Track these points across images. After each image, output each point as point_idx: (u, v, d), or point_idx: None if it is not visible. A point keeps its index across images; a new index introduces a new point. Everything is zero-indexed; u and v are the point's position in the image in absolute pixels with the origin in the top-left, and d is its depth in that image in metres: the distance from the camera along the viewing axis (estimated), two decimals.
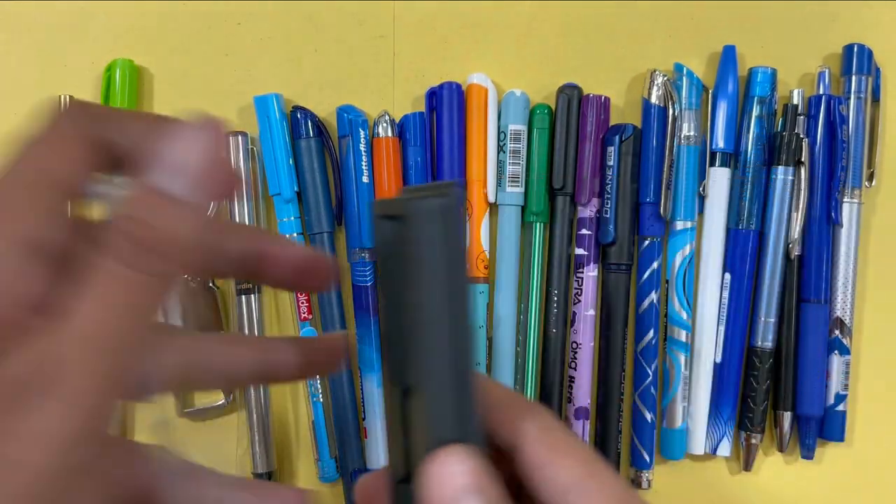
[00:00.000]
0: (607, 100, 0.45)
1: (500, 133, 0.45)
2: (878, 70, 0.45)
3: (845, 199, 0.45)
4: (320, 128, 0.44)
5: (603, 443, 0.45)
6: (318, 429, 0.45)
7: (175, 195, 0.23)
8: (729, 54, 0.45)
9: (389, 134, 0.44)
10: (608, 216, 0.44)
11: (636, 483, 0.45)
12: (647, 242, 0.45)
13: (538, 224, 0.45)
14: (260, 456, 0.45)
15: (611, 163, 0.44)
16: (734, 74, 0.45)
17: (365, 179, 0.44)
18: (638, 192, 0.44)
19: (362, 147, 0.44)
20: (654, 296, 0.45)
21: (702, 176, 0.45)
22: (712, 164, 0.45)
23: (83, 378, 0.22)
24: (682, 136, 0.44)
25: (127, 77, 0.44)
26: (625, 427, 0.46)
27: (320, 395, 0.45)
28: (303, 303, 0.45)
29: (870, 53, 0.45)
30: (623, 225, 0.44)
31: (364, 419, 0.45)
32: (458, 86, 0.45)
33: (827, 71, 0.45)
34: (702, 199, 0.45)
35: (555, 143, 0.45)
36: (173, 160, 0.22)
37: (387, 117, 0.44)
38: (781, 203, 0.44)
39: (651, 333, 0.45)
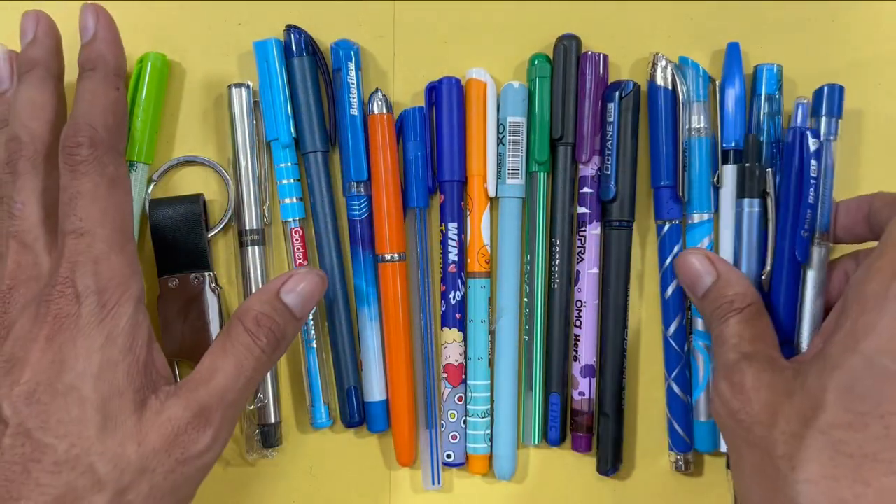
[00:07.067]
0: (606, 57, 0.45)
1: (500, 125, 0.45)
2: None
3: (816, 243, 0.42)
4: (314, 47, 0.45)
5: (606, 398, 0.45)
6: (311, 375, 0.46)
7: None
8: (733, 52, 0.45)
9: (384, 111, 0.45)
10: (609, 172, 0.44)
11: (678, 466, 0.45)
12: (666, 227, 0.45)
13: (542, 174, 0.45)
14: (271, 407, 0.46)
15: (611, 119, 0.44)
16: (740, 71, 0.45)
17: (354, 112, 0.45)
18: (636, 148, 0.45)
19: (351, 78, 0.44)
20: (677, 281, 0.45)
21: (715, 167, 0.44)
22: (724, 161, 0.44)
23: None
24: (693, 128, 0.44)
25: (158, 70, 0.45)
26: (659, 411, 0.46)
27: (314, 342, 0.45)
28: (298, 248, 0.45)
29: (840, 92, 0.43)
30: (624, 181, 0.44)
31: (360, 352, 0.46)
32: (458, 80, 0.45)
33: (805, 103, 0.44)
34: (717, 190, 0.45)
35: (553, 93, 0.45)
36: None
37: (380, 94, 0.45)
38: (750, 235, 0.44)
39: (679, 318, 0.45)
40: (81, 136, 0.38)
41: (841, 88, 0.43)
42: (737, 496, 0.37)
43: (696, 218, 0.44)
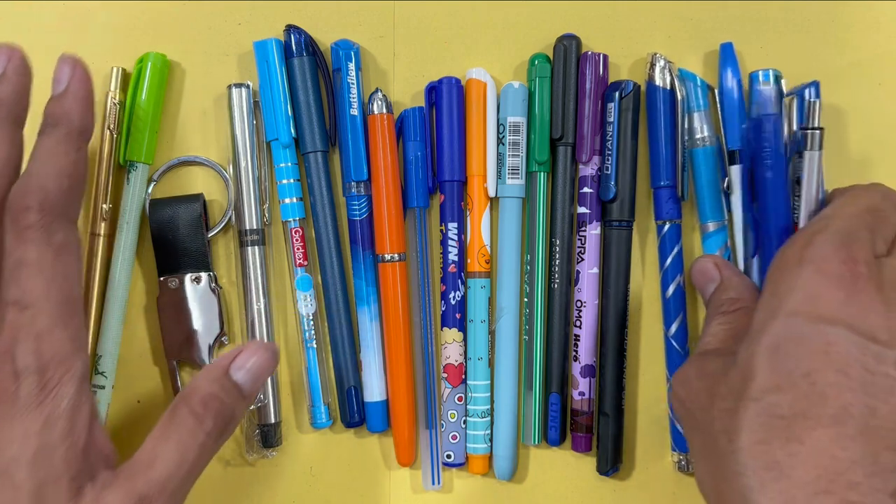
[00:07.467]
0: (606, 57, 0.45)
1: (500, 125, 0.45)
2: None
3: None
4: (314, 47, 0.45)
5: (606, 398, 0.45)
6: (311, 375, 0.46)
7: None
8: (727, 52, 0.45)
9: (384, 111, 0.45)
10: (609, 172, 0.44)
11: (680, 466, 0.45)
12: (666, 227, 0.45)
13: (542, 174, 0.45)
14: (271, 407, 0.46)
15: (611, 119, 0.44)
16: (735, 71, 0.44)
17: (354, 112, 0.45)
18: (636, 148, 0.45)
19: (351, 78, 0.44)
20: (679, 279, 0.45)
21: (723, 174, 0.44)
22: (731, 162, 0.44)
23: None
24: (696, 138, 0.44)
25: (158, 70, 0.45)
26: (659, 411, 0.46)
27: (314, 342, 0.45)
28: (298, 248, 0.45)
29: (817, 86, 0.43)
30: (624, 181, 0.44)
31: (360, 352, 0.46)
32: (458, 80, 0.45)
33: (794, 101, 0.43)
34: (727, 197, 0.44)
35: (553, 93, 0.45)
36: None
37: (380, 94, 0.45)
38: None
39: (680, 318, 0.45)
40: (30, 199, 0.36)
41: (816, 83, 0.43)
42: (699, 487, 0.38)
43: (711, 227, 0.44)
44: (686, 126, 0.44)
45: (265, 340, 0.45)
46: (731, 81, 0.44)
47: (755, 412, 0.33)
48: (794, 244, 0.36)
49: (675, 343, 0.45)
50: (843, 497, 0.30)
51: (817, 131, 0.42)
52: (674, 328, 0.45)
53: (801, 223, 0.42)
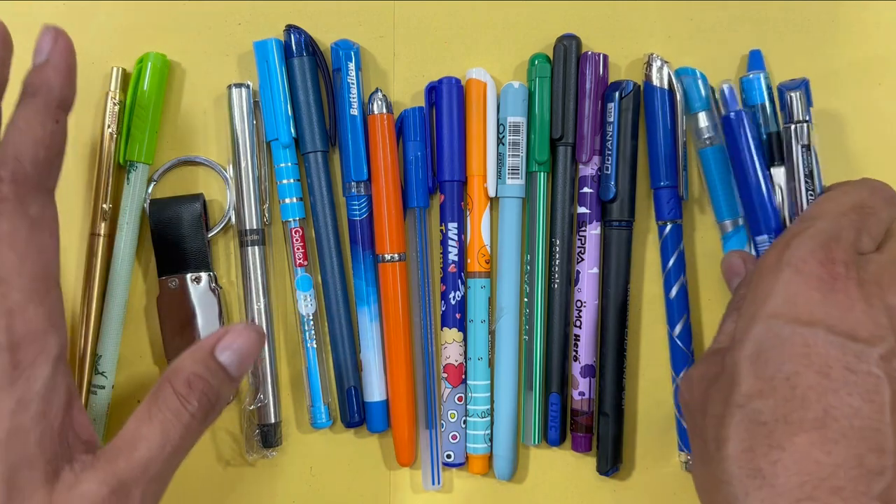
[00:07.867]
0: (606, 57, 0.45)
1: (500, 125, 0.45)
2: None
3: None
4: (314, 47, 0.45)
5: (606, 398, 0.45)
6: (311, 375, 0.46)
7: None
8: (756, 58, 0.45)
9: (384, 111, 0.45)
10: (609, 172, 0.44)
11: (688, 467, 0.45)
12: (668, 228, 0.45)
13: (542, 174, 0.45)
14: (271, 407, 0.45)
15: (611, 119, 0.44)
16: (764, 75, 0.44)
17: (354, 112, 0.45)
18: (636, 148, 0.45)
19: (351, 78, 0.44)
20: (683, 279, 0.45)
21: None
22: None
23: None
24: (704, 138, 0.44)
25: (158, 70, 0.45)
26: (660, 412, 0.46)
27: (314, 342, 0.45)
28: (298, 248, 0.45)
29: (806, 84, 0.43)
30: (624, 181, 0.44)
31: (360, 352, 0.46)
32: (458, 80, 0.45)
33: (730, 86, 0.44)
34: None
35: (553, 93, 0.45)
36: None
37: (380, 94, 0.45)
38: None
39: (684, 318, 0.45)
40: (4, 169, 0.34)
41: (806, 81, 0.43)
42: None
43: (730, 226, 0.44)
44: (687, 126, 0.44)
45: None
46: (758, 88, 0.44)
47: (740, 419, 0.33)
48: (774, 248, 0.36)
49: (680, 343, 0.45)
50: (827, 503, 0.30)
51: (803, 125, 0.42)
52: (678, 329, 0.45)
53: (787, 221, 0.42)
